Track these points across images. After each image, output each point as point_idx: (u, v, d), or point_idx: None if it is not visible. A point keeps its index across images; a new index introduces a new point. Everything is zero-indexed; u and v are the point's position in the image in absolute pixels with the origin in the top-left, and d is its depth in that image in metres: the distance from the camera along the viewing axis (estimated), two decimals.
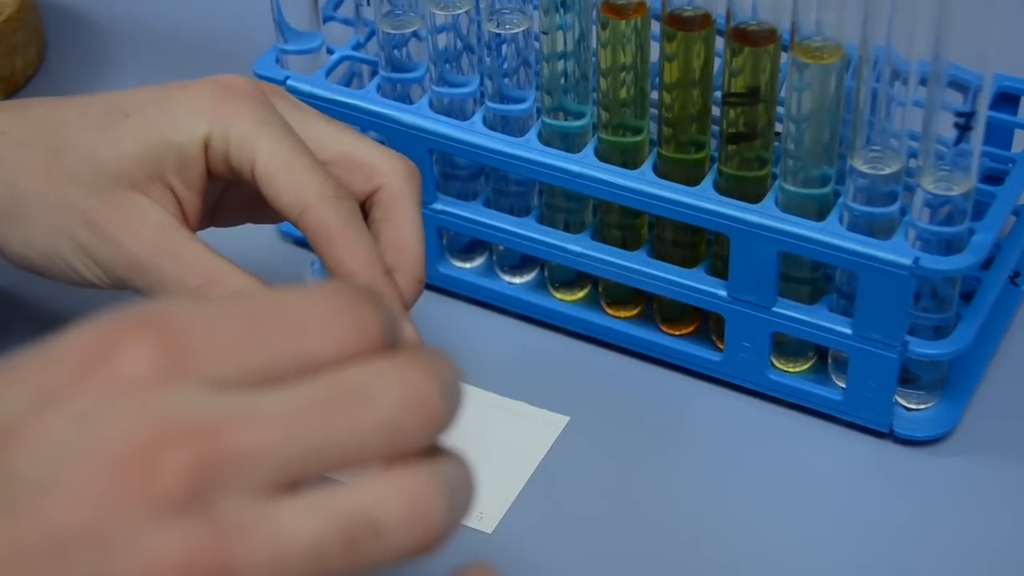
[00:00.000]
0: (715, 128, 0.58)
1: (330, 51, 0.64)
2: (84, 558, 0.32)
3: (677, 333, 0.62)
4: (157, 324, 0.34)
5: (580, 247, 0.61)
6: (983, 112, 0.53)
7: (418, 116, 0.61)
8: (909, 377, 0.59)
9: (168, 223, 0.52)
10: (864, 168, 0.55)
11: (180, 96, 0.53)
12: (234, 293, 0.41)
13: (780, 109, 0.57)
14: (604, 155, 0.59)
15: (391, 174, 0.53)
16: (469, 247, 0.65)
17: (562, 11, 0.57)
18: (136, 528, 0.32)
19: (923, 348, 0.57)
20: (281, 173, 0.51)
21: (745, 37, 0.55)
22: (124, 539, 0.32)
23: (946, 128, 0.53)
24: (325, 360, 0.35)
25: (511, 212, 0.63)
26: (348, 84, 0.65)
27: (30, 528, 0.32)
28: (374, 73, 0.63)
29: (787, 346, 0.60)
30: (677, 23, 0.56)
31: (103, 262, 0.52)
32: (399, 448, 0.35)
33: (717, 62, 0.58)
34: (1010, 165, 0.61)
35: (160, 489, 0.32)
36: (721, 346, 0.61)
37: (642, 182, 0.58)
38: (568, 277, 0.63)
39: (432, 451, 0.36)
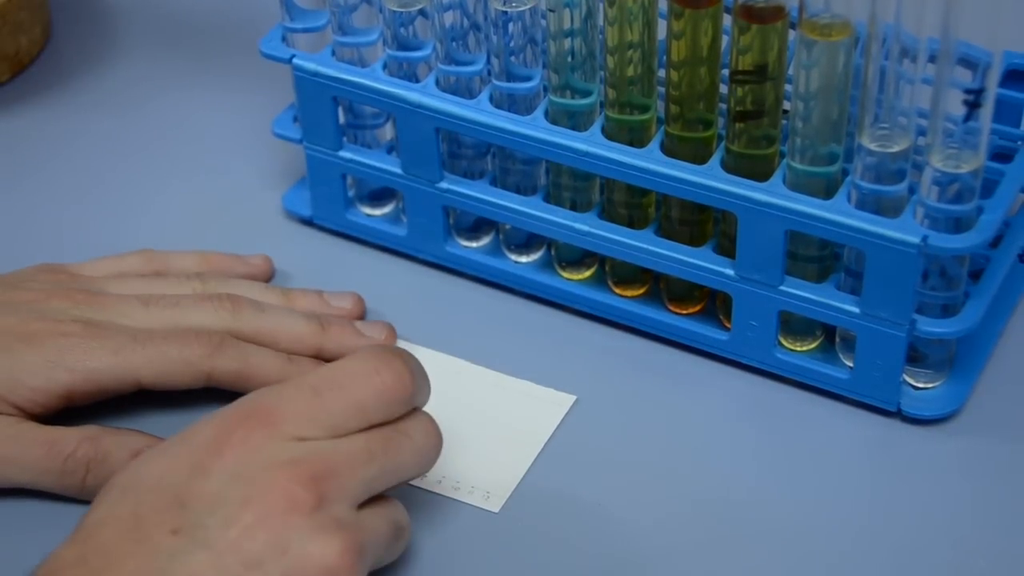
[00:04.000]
0: (722, 106, 0.58)
1: None
2: (276, 564, 0.48)
3: (684, 312, 0.62)
4: (257, 411, 0.51)
5: (587, 226, 0.61)
6: (992, 89, 0.53)
7: (424, 95, 0.61)
8: (917, 356, 0.59)
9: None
10: (872, 146, 0.55)
11: None
12: (302, 373, 0.53)
13: (788, 87, 0.57)
14: (611, 134, 0.59)
15: None
16: (475, 226, 0.65)
17: None
18: (301, 536, 0.48)
19: (931, 327, 0.57)
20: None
21: (753, 14, 0.54)
22: (297, 545, 0.48)
23: (955, 106, 0.53)
24: (375, 404, 0.51)
25: (518, 191, 0.63)
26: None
27: (229, 557, 0.48)
28: None
29: (794, 325, 0.60)
30: (684, 1, 0.55)
31: None
32: (424, 468, 0.53)
33: (725, 39, 0.57)
34: (1019, 143, 0.61)
35: (301, 507, 0.49)
36: (728, 325, 0.61)
37: (649, 160, 0.58)
38: (575, 256, 0.63)
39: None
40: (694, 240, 0.60)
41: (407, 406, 0.52)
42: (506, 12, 0.59)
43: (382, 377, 0.52)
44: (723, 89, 0.58)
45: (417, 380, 0.53)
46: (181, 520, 0.48)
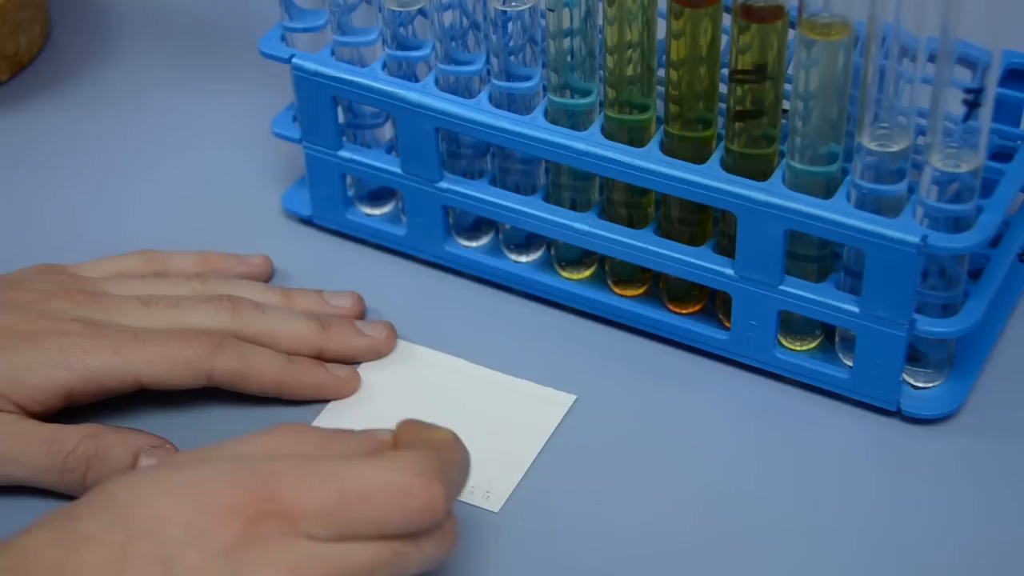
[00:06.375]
0: (722, 106, 0.58)
1: None
2: None
3: (684, 311, 0.62)
4: (277, 496, 0.48)
5: (586, 225, 0.61)
6: (992, 89, 0.53)
7: (424, 94, 0.61)
8: (916, 355, 0.59)
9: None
10: (872, 145, 0.55)
11: None
12: (332, 467, 0.49)
13: (788, 86, 0.57)
14: (610, 133, 0.59)
15: None
16: (475, 226, 0.65)
17: None
18: None
19: (931, 326, 0.57)
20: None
21: (752, 14, 0.54)
22: None
23: (954, 105, 0.53)
24: (397, 524, 0.49)
25: (517, 190, 0.63)
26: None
27: None
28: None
29: (794, 324, 0.60)
30: (684, 0, 0.55)
31: None
32: (428, 571, 0.51)
33: (724, 39, 0.57)
34: (1019, 142, 0.61)
35: None
36: (728, 324, 0.60)
37: (649, 160, 0.58)
38: (574, 256, 0.63)
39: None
40: (694, 240, 0.60)
41: (432, 527, 0.50)
42: (505, 11, 0.59)
43: (415, 500, 0.49)
44: (723, 88, 0.58)
45: (450, 501, 0.50)
46: None
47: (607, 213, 0.61)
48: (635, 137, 0.59)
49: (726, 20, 0.57)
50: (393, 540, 0.49)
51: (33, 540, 0.47)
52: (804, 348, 0.60)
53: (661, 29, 0.57)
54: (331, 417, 0.59)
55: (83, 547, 0.46)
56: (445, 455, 0.50)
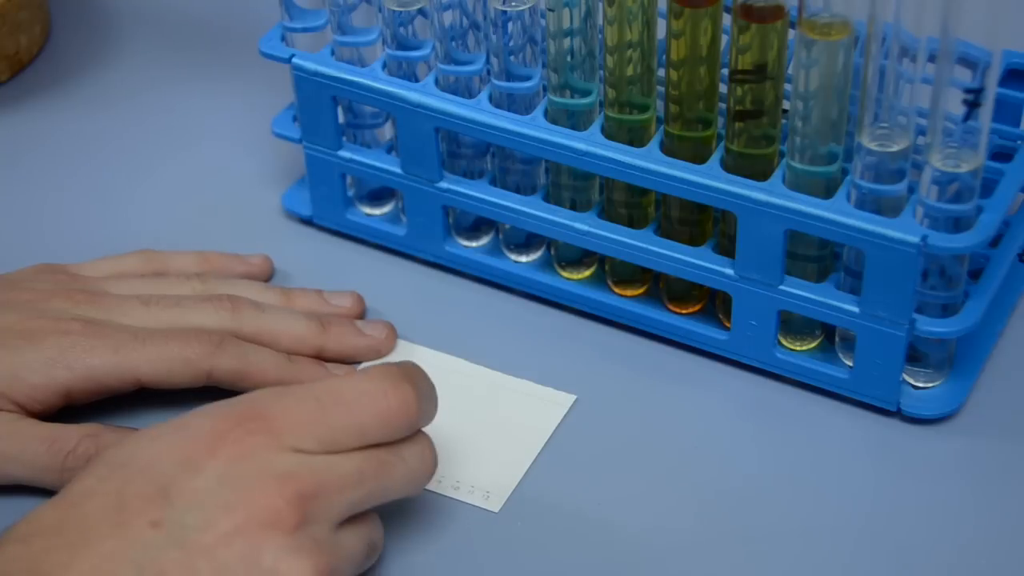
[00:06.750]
0: (722, 106, 0.58)
1: None
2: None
3: (684, 311, 0.62)
4: (258, 414, 0.50)
5: (586, 225, 0.61)
6: (992, 89, 0.53)
7: (424, 94, 0.61)
8: (916, 355, 0.59)
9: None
10: (872, 145, 0.55)
11: None
12: (307, 386, 0.52)
13: (788, 86, 0.57)
14: (610, 133, 0.59)
15: None
16: (475, 226, 0.65)
17: None
18: (276, 553, 0.48)
19: (931, 326, 0.57)
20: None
21: (752, 14, 0.54)
22: (271, 561, 0.48)
23: (954, 105, 0.53)
24: (376, 427, 0.51)
25: (517, 190, 0.63)
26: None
27: (201, 560, 0.48)
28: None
29: (794, 324, 0.60)
30: (684, 0, 0.55)
31: None
32: (413, 491, 0.53)
33: (724, 39, 0.57)
34: (1019, 142, 0.61)
35: (282, 524, 0.48)
36: (728, 324, 0.61)
37: (649, 160, 0.58)
38: (574, 256, 0.63)
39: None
40: (694, 240, 0.60)
41: (409, 431, 0.52)
42: (505, 11, 0.59)
43: (388, 401, 0.51)
44: (723, 88, 0.58)
45: (423, 405, 0.52)
46: (163, 513, 0.48)
47: (607, 213, 0.61)
48: (635, 137, 0.59)
49: (726, 20, 0.57)
50: (376, 449, 0.51)
51: (39, 510, 0.49)
52: (804, 348, 0.60)
53: (661, 29, 0.57)
54: None
55: (82, 502, 0.49)
56: (409, 370, 0.53)
